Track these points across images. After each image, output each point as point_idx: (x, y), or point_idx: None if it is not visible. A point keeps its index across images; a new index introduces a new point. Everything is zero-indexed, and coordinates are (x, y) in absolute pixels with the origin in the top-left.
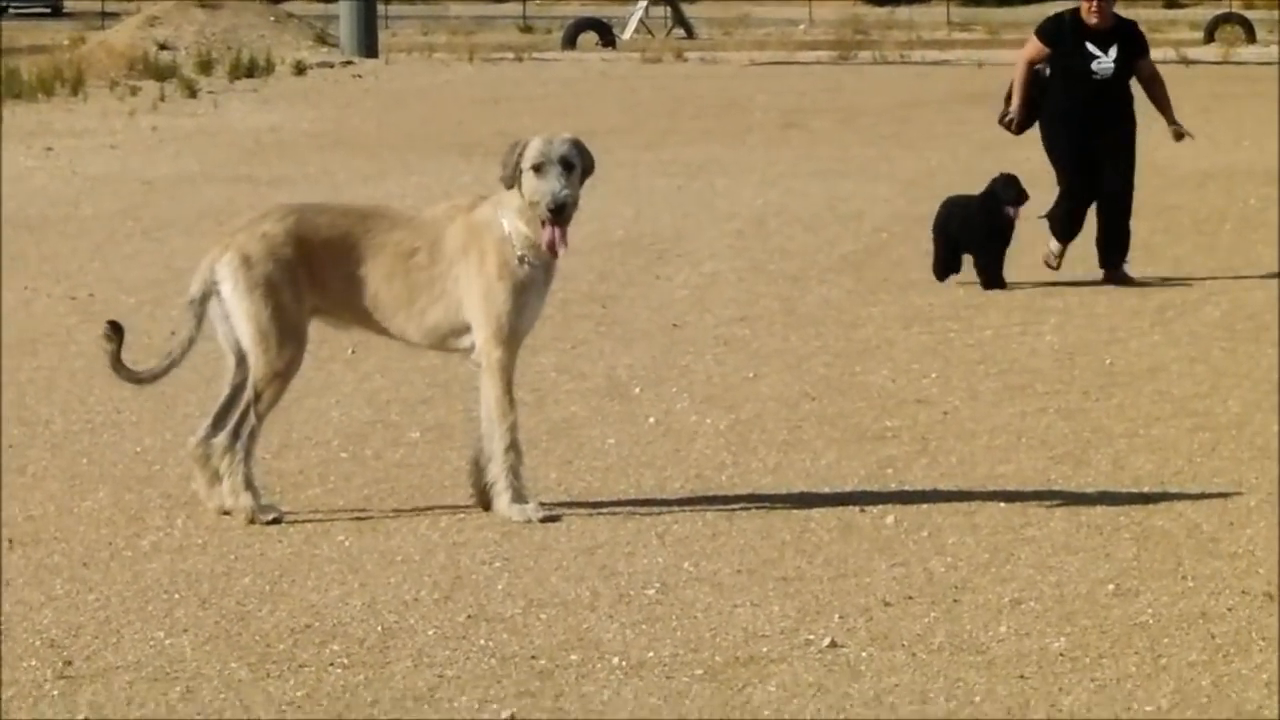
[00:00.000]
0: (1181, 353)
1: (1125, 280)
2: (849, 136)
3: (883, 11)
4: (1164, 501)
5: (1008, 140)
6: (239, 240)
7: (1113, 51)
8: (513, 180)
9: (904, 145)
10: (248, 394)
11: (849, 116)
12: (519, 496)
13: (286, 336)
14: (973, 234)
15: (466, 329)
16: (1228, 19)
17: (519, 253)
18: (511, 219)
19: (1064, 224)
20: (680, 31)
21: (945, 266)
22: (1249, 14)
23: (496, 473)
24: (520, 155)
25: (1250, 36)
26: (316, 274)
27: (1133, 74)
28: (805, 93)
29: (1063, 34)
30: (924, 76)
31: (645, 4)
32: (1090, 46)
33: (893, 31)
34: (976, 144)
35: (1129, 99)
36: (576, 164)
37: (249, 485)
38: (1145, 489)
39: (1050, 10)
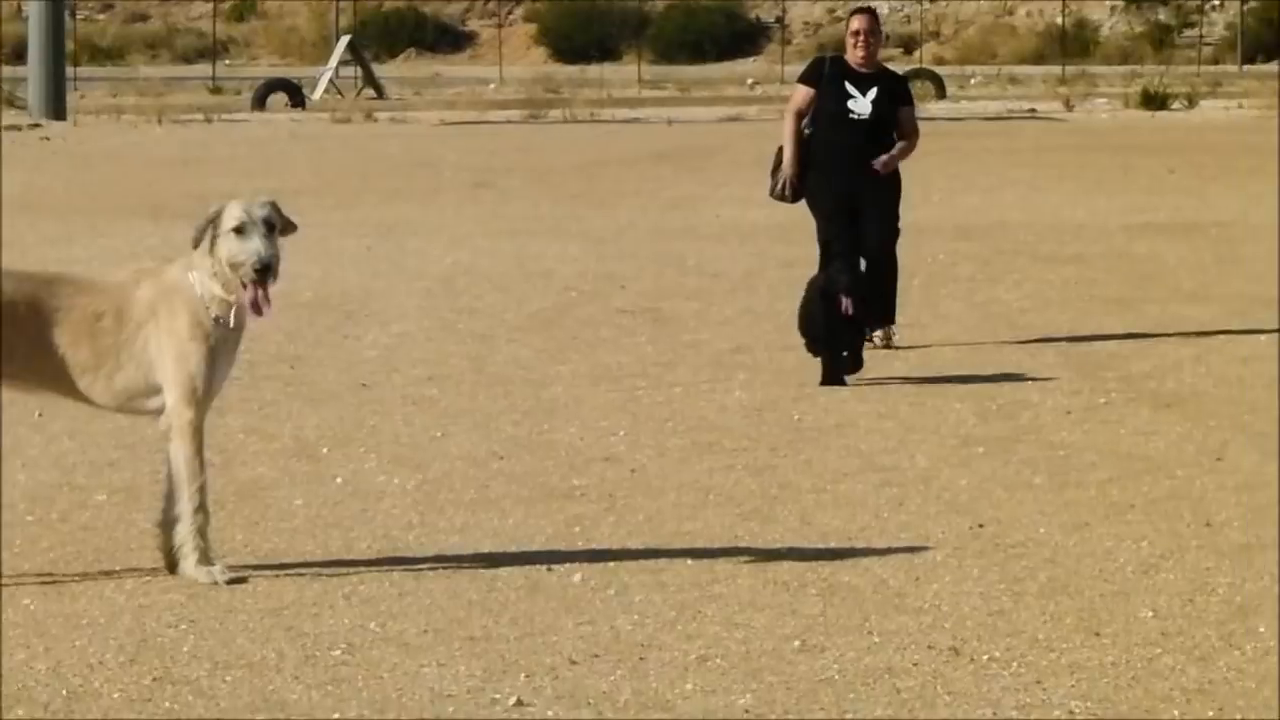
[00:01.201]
0: (869, 408)
1: (887, 343)
2: (539, 195)
3: (574, 69)
4: (851, 557)
5: (697, 196)
6: None
7: (871, 94)
8: (205, 242)
9: (593, 203)
10: None
11: (539, 175)
12: (205, 558)
13: None
14: (818, 320)
15: (156, 391)
16: (919, 74)
17: (214, 314)
18: (204, 281)
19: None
20: (370, 91)
21: (812, 345)
22: (938, 69)
23: (184, 534)
24: (218, 218)
25: (940, 92)
26: (2, 339)
27: (894, 122)
28: (495, 152)
29: (823, 74)
30: (614, 134)
31: (335, 65)
32: (849, 86)
33: (584, 90)
34: (665, 201)
35: (881, 149)
36: (277, 225)
37: None
38: (832, 544)
39: (740, 67)
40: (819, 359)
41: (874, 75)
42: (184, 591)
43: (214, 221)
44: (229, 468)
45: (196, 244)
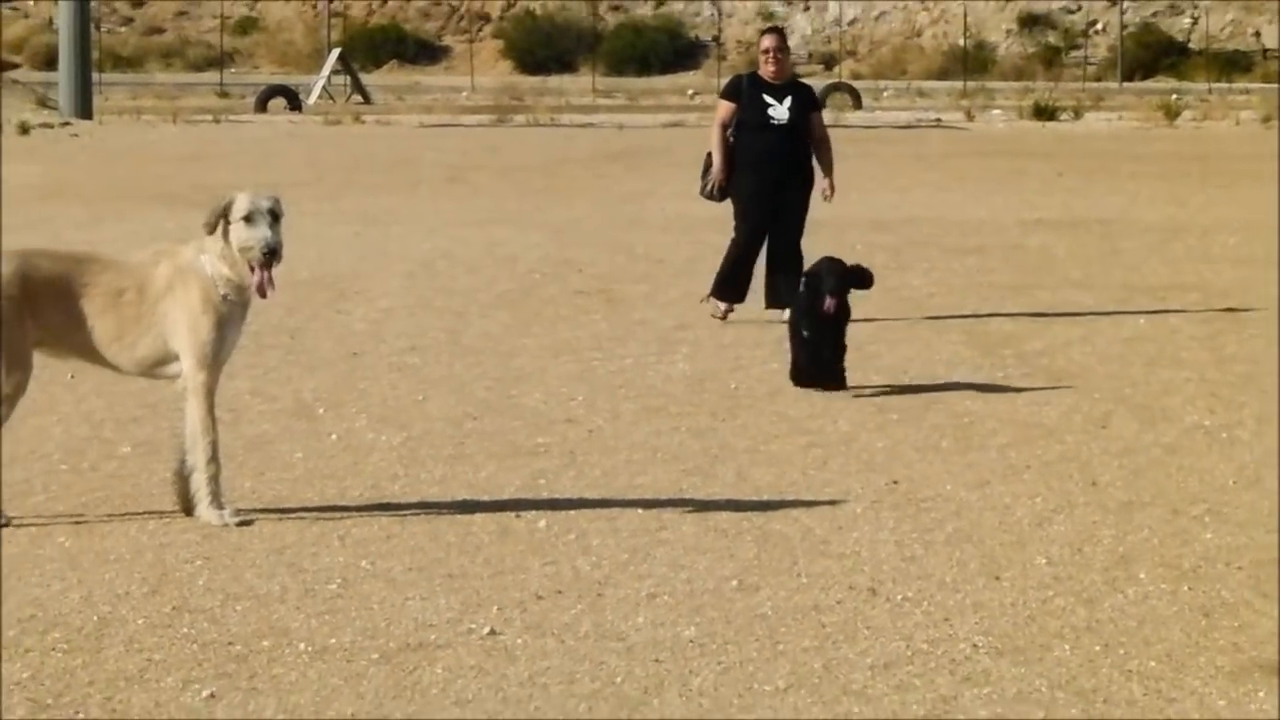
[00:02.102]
0: None
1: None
2: (505, 189)
3: (536, 80)
4: (781, 508)
5: (644, 192)
6: None
7: (787, 102)
8: (216, 228)
9: (553, 197)
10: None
11: (505, 172)
12: (218, 503)
13: (14, 364)
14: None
15: (173, 358)
16: (838, 88)
17: (221, 291)
18: (214, 262)
19: (729, 280)
20: (358, 98)
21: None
22: (856, 83)
23: (199, 482)
24: (229, 207)
25: (857, 103)
26: (38, 311)
27: (808, 126)
28: (467, 151)
29: (742, 90)
30: (571, 137)
31: (327, 74)
32: (766, 97)
33: (544, 98)
34: (616, 196)
35: (806, 150)
36: (281, 215)
37: None
38: (765, 497)
39: (681, 79)
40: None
41: (787, 86)
42: (199, 532)
43: (225, 210)
44: (237, 425)
45: (209, 229)
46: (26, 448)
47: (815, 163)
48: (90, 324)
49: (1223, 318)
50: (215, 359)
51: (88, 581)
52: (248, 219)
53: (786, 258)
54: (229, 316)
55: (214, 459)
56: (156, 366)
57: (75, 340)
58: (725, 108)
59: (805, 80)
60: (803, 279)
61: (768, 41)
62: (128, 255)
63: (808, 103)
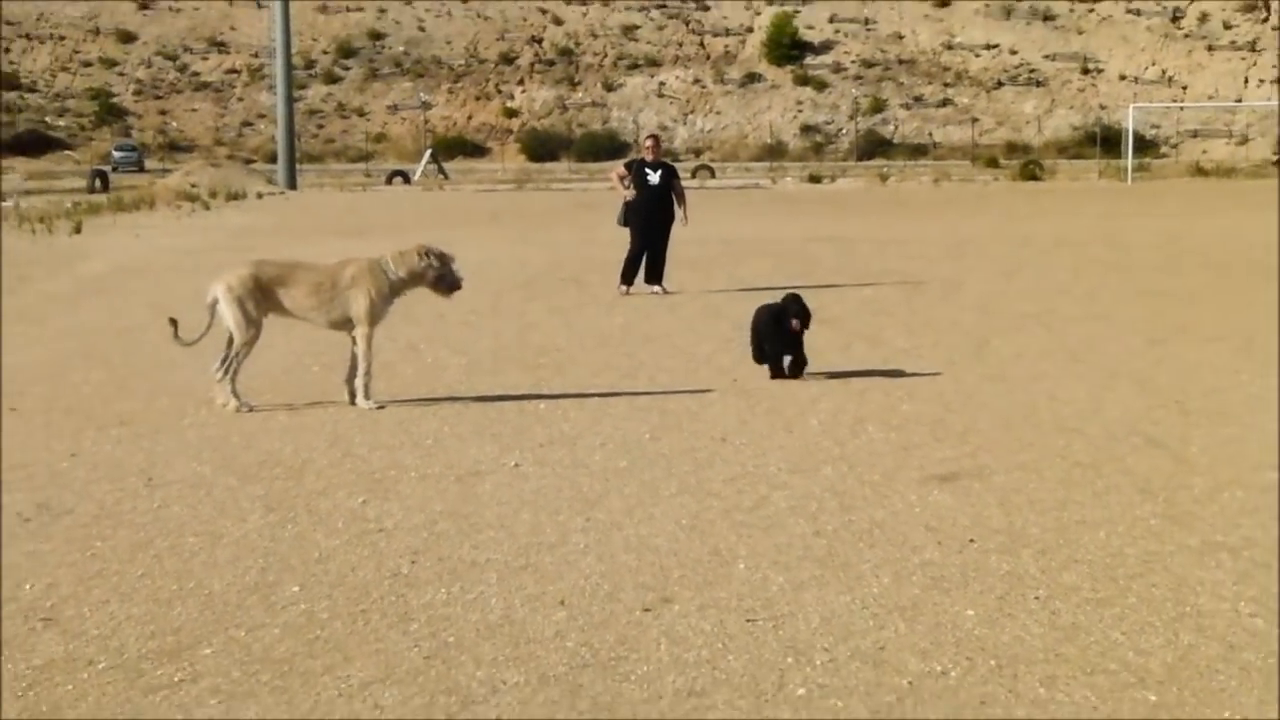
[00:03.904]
0: (675, 320)
1: (664, 292)
2: (521, 225)
3: (538, 165)
4: (674, 395)
5: (596, 224)
6: (226, 277)
7: (659, 172)
8: (418, 256)
9: (547, 228)
10: (233, 351)
11: (522, 215)
12: (368, 396)
13: (249, 325)
14: (769, 335)
15: (350, 321)
16: (703, 166)
17: (389, 288)
18: (396, 270)
19: (627, 270)
20: (441, 175)
21: (758, 355)
22: (711, 164)
23: (359, 385)
24: (428, 249)
25: (711, 175)
26: (268, 293)
27: (670, 187)
28: (500, 205)
29: (634, 164)
30: (557, 196)
31: (424, 162)
32: (647, 170)
33: (543, 175)
34: (582, 227)
35: (669, 199)
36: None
37: (235, 395)
38: (664, 389)
39: (618, 163)
40: (764, 364)
41: (658, 164)
42: (356, 412)
43: (428, 253)
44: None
45: (420, 256)
46: (260, 368)
47: (676, 206)
48: (303, 300)
49: (913, 287)
50: (374, 322)
51: (294, 440)
52: (440, 259)
53: (655, 257)
54: (386, 300)
55: (368, 372)
56: (339, 325)
57: (294, 309)
58: (621, 168)
59: (673, 162)
60: (769, 308)
61: (648, 142)
62: (324, 262)
63: (669, 173)
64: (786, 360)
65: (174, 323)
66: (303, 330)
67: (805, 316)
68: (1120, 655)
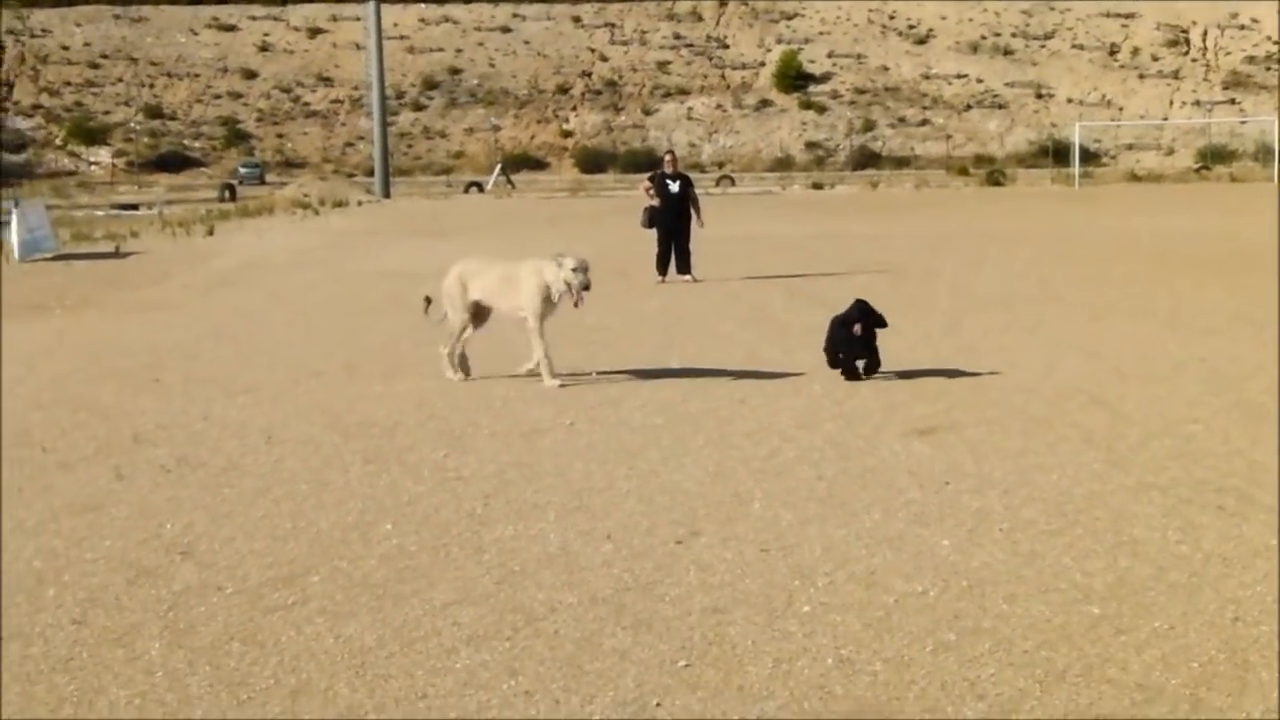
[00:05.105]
0: (666, 300)
1: (694, 280)
2: (576, 225)
3: (589, 176)
4: (702, 375)
5: (634, 224)
6: (449, 273)
7: (678, 183)
8: (556, 263)
9: (596, 228)
10: (454, 332)
11: (576, 217)
12: (552, 375)
13: (462, 310)
14: (841, 342)
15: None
16: (725, 176)
17: (553, 291)
18: (552, 274)
19: (660, 264)
20: (510, 186)
21: (832, 362)
22: (732, 173)
23: (541, 368)
24: (563, 256)
25: (731, 183)
26: (470, 286)
27: (688, 195)
28: (557, 210)
29: (656, 177)
30: (604, 202)
31: (495, 174)
32: (668, 181)
33: (592, 185)
34: (623, 227)
35: (687, 205)
36: (589, 267)
37: (462, 367)
38: (699, 367)
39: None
40: (838, 368)
41: (677, 175)
42: (437, 380)
43: (560, 257)
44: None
45: (557, 262)
46: (362, 346)
47: (693, 211)
48: (498, 293)
49: (898, 275)
50: (542, 317)
51: (388, 405)
52: (575, 269)
53: (681, 252)
54: (550, 297)
55: (547, 356)
56: (517, 314)
57: (489, 300)
58: (647, 180)
59: (691, 173)
60: (839, 317)
61: (668, 157)
62: (518, 261)
63: (687, 183)
64: (861, 364)
65: (428, 300)
66: (397, 313)
67: (870, 319)
68: (1069, 577)
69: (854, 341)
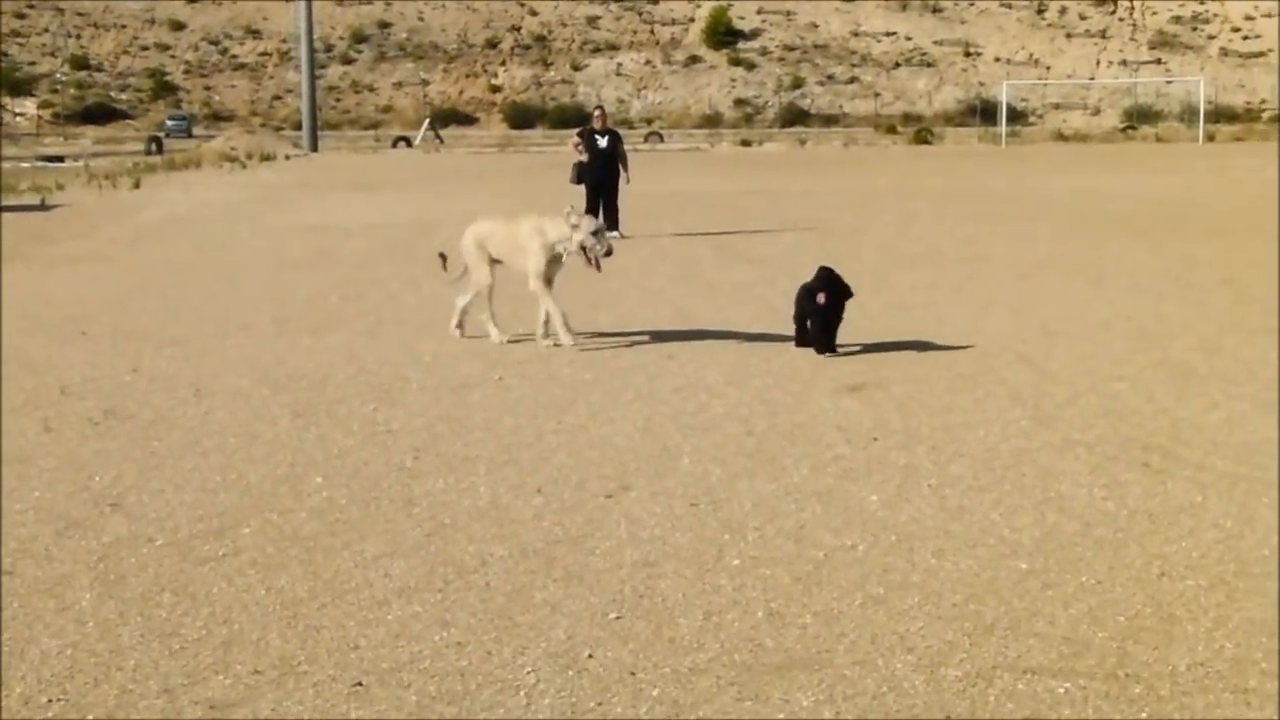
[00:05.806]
0: (628, 259)
1: (620, 236)
2: (502, 180)
3: (518, 132)
4: (683, 339)
5: (561, 179)
6: (467, 232)
7: (606, 139)
8: (572, 225)
9: (523, 182)
10: (471, 289)
11: (503, 173)
12: (569, 334)
13: (483, 278)
14: (810, 312)
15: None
16: (654, 133)
17: (556, 250)
18: (556, 232)
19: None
20: (438, 141)
21: (800, 339)
22: (662, 130)
23: (556, 326)
24: (575, 215)
25: (660, 139)
26: (487, 245)
27: (617, 151)
28: (486, 165)
29: (586, 131)
30: (533, 158)
31: (424, 129)
32: (597, 136)
33: (521, 140)
34: (549, 180)
35: (615, 160)
36: (605, 231)
37: (459, 325)
38: (676, 328)
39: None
40: (807, 345)
41: (606, 131)
42: (367, 335)
43: (572, 213)
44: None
45: (572, 226)
46: (289, 299)
47: (621, 167)
48: (512, 251)
49: (826, 232)
50: (543, 277)
51: (317, 358)
52: (595, 234)
53: (609, 207)
54: (555, 259)
55: (559, 312)
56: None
57: (504, 258)
58: (576, 136)
59: (620, 130)
60: (808, 285)
61: (597, 112)
62: (521, 219)
63: (615, 139)
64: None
65: (443, 257)
66: (326, 267)
67: (835, 288)
68: (997, 532)
69: (820, 311)
